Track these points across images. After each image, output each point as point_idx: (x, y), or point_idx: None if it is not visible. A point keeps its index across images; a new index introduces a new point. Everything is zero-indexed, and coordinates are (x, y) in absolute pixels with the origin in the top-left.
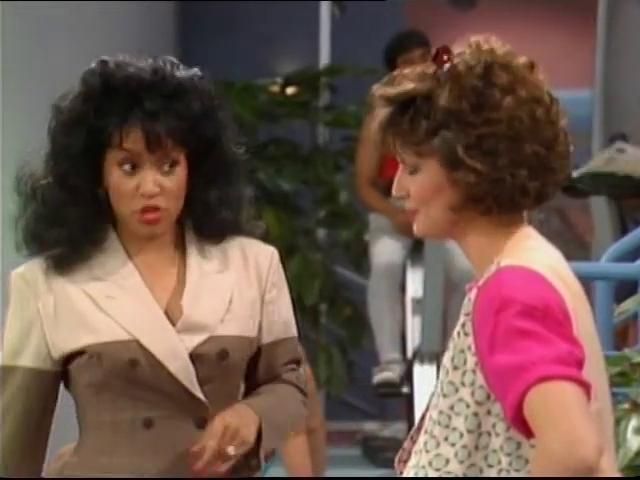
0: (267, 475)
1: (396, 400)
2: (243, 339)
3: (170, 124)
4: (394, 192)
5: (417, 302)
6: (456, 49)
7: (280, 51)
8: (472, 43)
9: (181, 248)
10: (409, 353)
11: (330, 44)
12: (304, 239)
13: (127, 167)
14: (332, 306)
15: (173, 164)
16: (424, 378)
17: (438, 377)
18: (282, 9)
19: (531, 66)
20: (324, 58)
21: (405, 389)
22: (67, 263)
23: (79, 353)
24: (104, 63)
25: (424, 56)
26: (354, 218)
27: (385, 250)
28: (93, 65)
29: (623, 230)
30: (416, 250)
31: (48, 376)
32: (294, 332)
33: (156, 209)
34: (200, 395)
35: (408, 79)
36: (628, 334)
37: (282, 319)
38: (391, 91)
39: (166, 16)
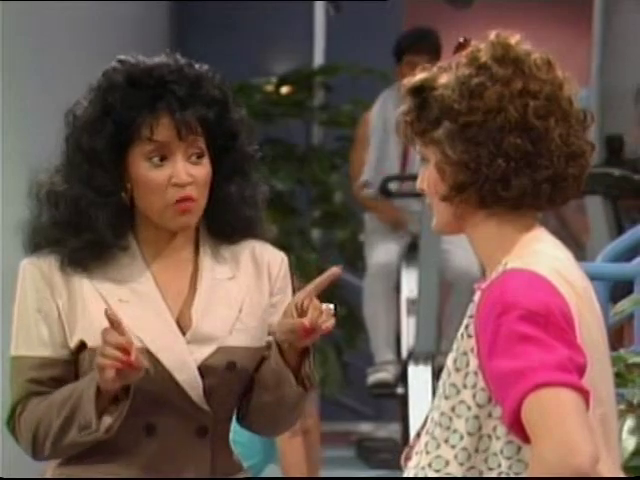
0: (264, 475)
1: (391, 401)
2: (252, 350)
3: (198, 111)
4: (417, 186)
5: (412, 303)
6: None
7: (275, 50)
8: (490, 37)
9: (195, 251)
10: (404, 354)
11: (325, 43)
12: (299, 239)
13: (156, 159)
14: None
15: (200, 155)
16: (419, 379)
17: (433, 378)
18: (277, 9)
19: (548, 63)
20: (319, 58)
21: (400, 390)
22: (84, 262)
23: (87, 349)
24: (123, 61)
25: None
26: (349, 218)
27: (380, 250)
28: (113, 64)
29: (619, 230)
30: (411, 250)
31: (67, 365)
32: None
33: (189, 199)
34: (205, 406)
35: (427, 70)
36: (624, 335)
37: None
38: (408, 82)
39: (161, 16)
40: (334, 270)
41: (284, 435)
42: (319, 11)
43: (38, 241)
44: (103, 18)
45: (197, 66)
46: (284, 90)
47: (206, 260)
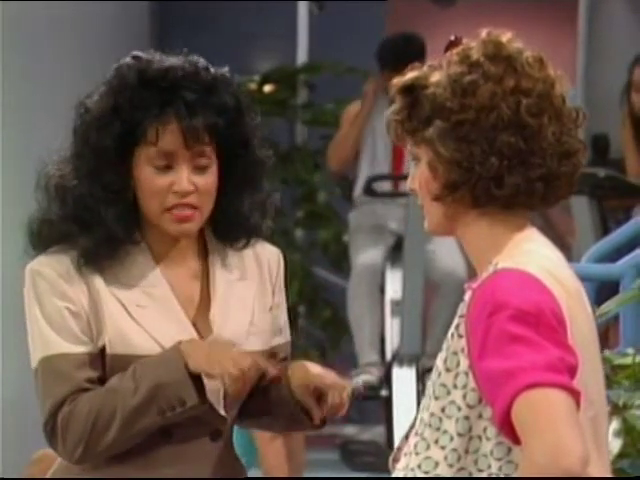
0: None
1: (375, 403)
2: (264, 353)
3: (208, 119)
4: (407, 186)
5: (396, 304)
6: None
7: (257, 48)
8: (481, 36)
9: (203, 254)
10: (388, 355)
11: (308, 42)
12: (282, 239)
13: (161, 164)
14: (311, 308)
15: (207, 163)
16: (403, 381)
17: (418, 380)
18: (259, 6)
19: (540, 61)
20: (302, 56)
21: (384, 392)
22: (99, 261)
23: (108, 357)
24: (137, 58)
25: None
26: (333, 218)
27: (365, 251)
28: (126, 59)
29: (604, 230)
30: (396, 251)
31: (100, 358)
32: (289, 336)
33: (189, 206)
34: (222, 411)
35: (417, 69)
36: (609, 336)
37: (283, 323)
38: (399, 81)
39: (142, 14)
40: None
41: (264, 439)
42: (302, 9)
43: (47, 235)
44: (82, 18)
45: (214, 70)
46: (267, 88)
47: (216, 265)
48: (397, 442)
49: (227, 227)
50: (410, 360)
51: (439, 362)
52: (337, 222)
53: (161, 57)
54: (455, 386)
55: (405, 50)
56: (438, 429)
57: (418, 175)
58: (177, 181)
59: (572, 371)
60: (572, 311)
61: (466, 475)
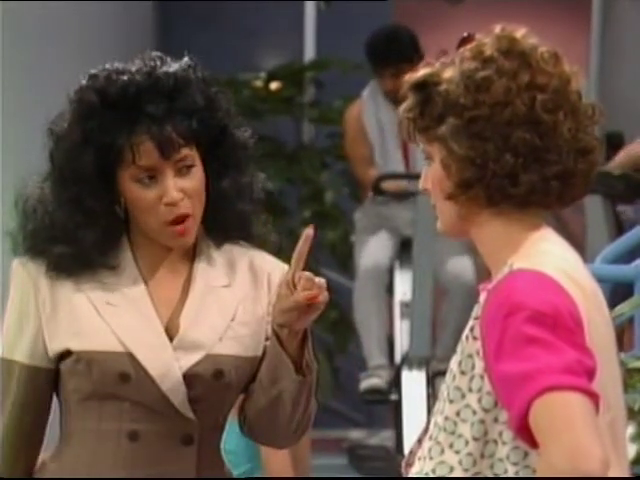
0: None
1: (384, 407)
2: (242, 359)
3: (178, 125)
4: (420, 185)
5: (405, 305)
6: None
7: (264, 45)
8: (495, 31)
9: (191, 255)
10: (397, 358)
11: (315, 39)
12: (288, 240)
13: (145, 179)
14: None
15: (190, 163)
16: (413, 384)
17: (427, 383)
18: (266, 3)
19: (555, 56)
20: (309, 53)
21: (393, 396)
22: (73, 267)
23: (70, 355)
24: (94, 77)
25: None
26: (340, 218)
27: (371, 251)
28: (83, 81)
29: (619, 231)
30: (404, 251)
31: (42, 373)
32: None
33: (185, 217)
34: (190, 414)
35: (430, 65)
36: (623, 338)
37: None
38: (410, 77)
39: (145, 11)
40: (308, 232)
41: None
42: (309, 6)
43: (25, 248)
44: (87, 15)
45: (175, 67)
46: (273, 86)
47: (201, 266)
48: (406, 446)
49: (214, 216)
50: (420, 363)
51: (453, 365)
52: (344, 222)
53: (118, 70)
54: (470, 389)
55: (391, 46)
56: (453, 433)
57: (431, 174)
58: (164, 192)
59: (590, 374)
60: (589, 313)
61: None
